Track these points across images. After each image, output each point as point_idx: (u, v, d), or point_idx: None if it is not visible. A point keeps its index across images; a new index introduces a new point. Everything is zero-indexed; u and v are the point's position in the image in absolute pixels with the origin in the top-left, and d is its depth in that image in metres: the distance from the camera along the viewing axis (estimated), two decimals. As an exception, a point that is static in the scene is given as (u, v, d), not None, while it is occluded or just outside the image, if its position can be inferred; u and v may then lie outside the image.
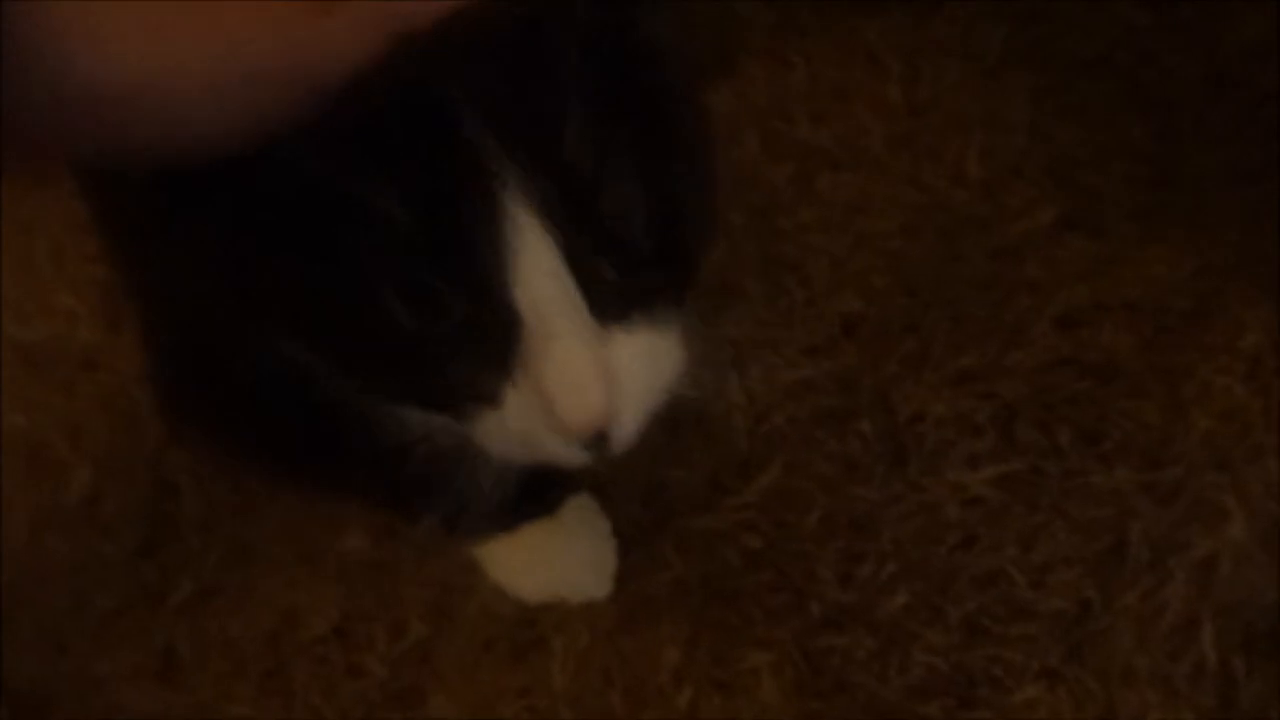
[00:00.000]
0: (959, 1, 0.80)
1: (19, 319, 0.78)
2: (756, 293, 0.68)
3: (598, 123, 0.30)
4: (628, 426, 0.33)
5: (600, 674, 0.58)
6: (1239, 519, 0.56)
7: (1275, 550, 0.55)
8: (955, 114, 0.75)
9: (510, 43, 0.31)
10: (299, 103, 0.30)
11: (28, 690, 0.62)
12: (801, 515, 0.60)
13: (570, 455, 0.33)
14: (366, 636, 0.61)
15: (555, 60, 0.30)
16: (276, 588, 0.63)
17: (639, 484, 0.62)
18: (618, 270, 0.31)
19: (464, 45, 0.30)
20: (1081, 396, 0.61)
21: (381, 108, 0.30)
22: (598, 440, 0.33)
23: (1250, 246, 0.66)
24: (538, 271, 0.30)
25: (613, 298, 0.32)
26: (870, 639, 0.56)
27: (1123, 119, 0.73)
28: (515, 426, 0.32)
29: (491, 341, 0.31)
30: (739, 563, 0.59)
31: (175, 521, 0.67)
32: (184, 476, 0.68)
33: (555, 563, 0.61)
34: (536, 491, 0.41)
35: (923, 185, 0.72)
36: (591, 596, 0.60)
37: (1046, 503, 0.58)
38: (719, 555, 0.60)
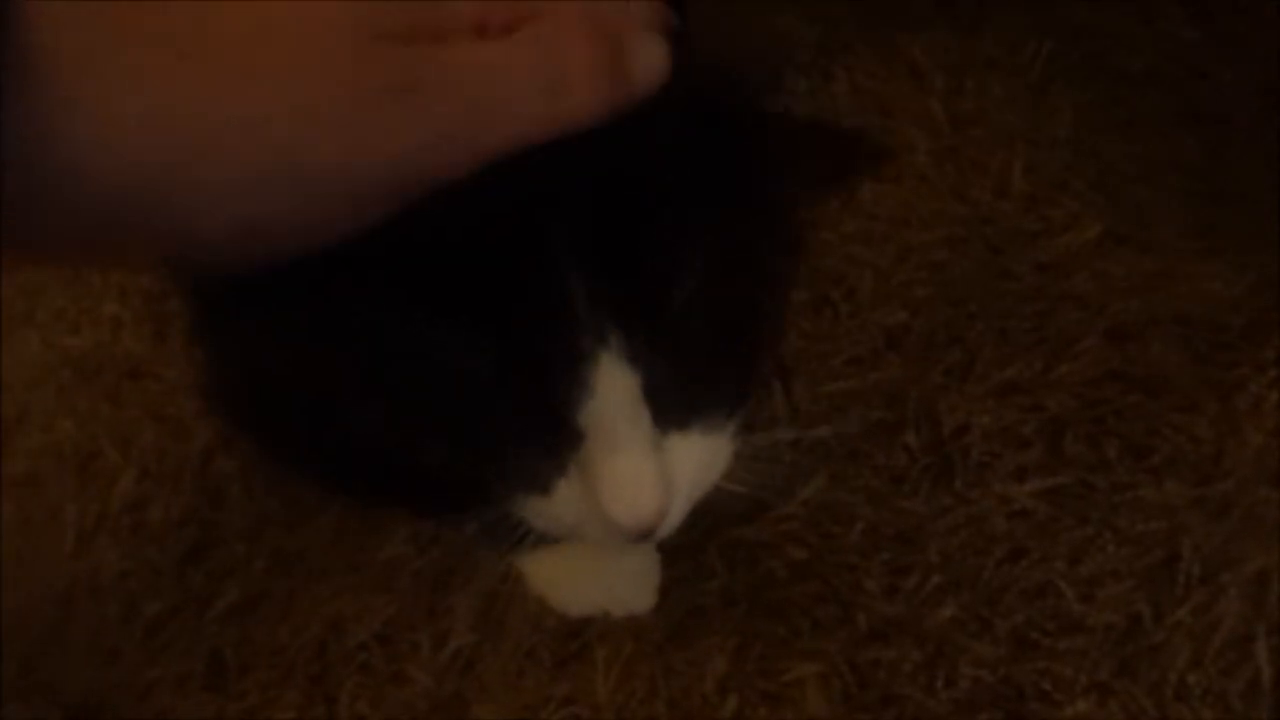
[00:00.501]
0: (1004, 16, 0.80)
1: (67, 327, 0.79)
2: (801, 304, 0.68)
3: (694, 265, 0.31)
4: (674, 521, 0.34)
5: (645, 684, 0.58)
6: (1292, 534, 0.55)
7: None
8: (1000, 128, 0.75)
9: (617, 180, 0.30)
10: (358, 207, 0.29)
11: (81, 696, 0.62)
12: (847, 527, 0.60)
13: (614, 543, 0.34)
14: (411, 644, 0.61)
15: (663, 203, 0.30)
16: (322, 595, 0.64)
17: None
18: (684, 386, 0.32)
19: (563, 172, 0.30)
20: (1130, 410, 0.61)
21: (471, 221, 0.29)
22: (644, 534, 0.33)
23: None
24: (610, 397, 0.31)
25: (675, 408, 0.32)
26: (917, 651, 0.56)
27: (1172, 133, 0.72)
28: (563, 514, 0.33)
29: (552, 445, 0.32)
30: (785, 574, 0.59)
31: (222, 528, 0.67)
32: (231, 484, 0.69)
33: (598, 576, 0.61)
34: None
35: (967, 198, 0.72)
36: (634, 610, 0.60)
37: (1096, 516, 0.58)
38: (764, 566, 0.60)
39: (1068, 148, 0.74)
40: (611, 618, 0.60)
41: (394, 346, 0.31)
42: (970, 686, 0.55)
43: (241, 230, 0.28)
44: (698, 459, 0.34)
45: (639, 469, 0.32)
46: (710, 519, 0.62)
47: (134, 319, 0.78)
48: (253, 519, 0.67)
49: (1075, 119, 0.75)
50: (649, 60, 0.31)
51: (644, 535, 0.33)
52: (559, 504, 0.33)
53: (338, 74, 0.27)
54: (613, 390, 0.31)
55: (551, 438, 0.32)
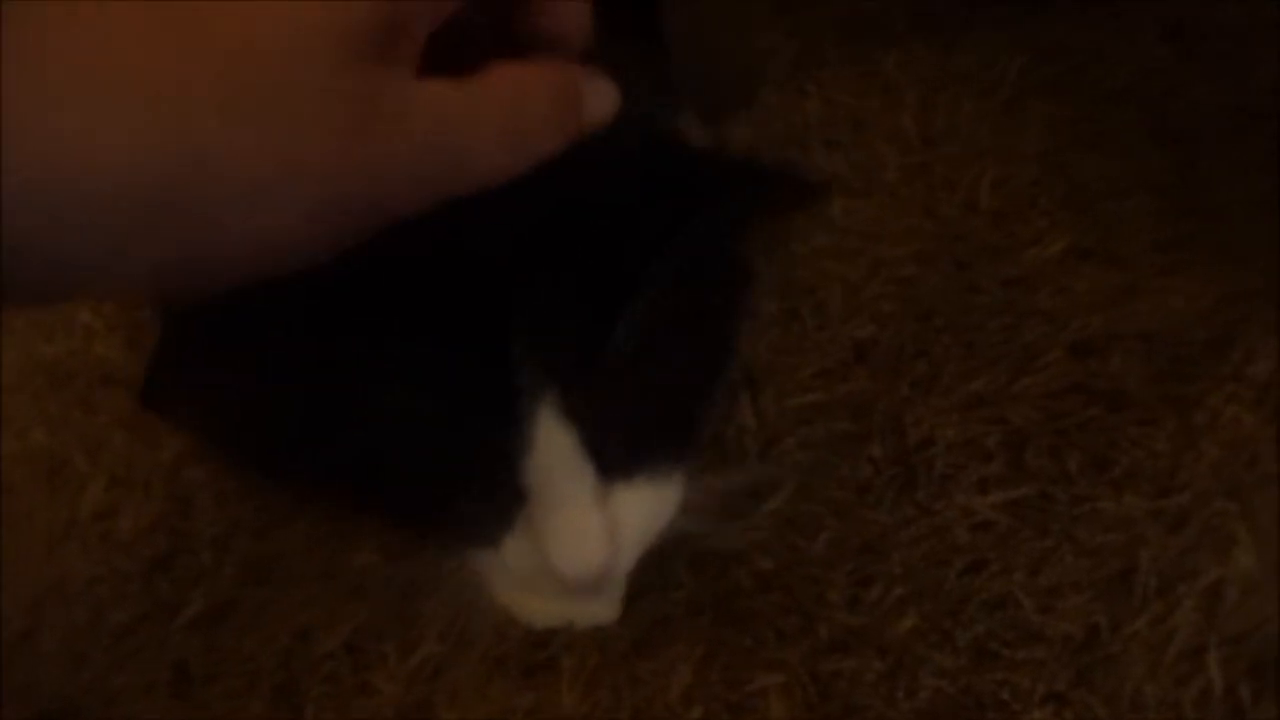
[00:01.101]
0: (978, 33, 0.81)
1: (40, 334, 0.80)
2: (769, 317, 0.68)
3: (642, 331, 0.32)
4: (624, 569, 0.34)
5: (610, 694, 0.58)
6: (1247, 547, 0.56)
7: (1284, 578, 0.55)
8: (970, 144, 0.76)
9: (571, 243, 0.31)
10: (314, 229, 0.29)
11: (48, 702, 0.62)
12: (812, 538, 0.61)
13: (562, 593, 0.34)
14: (378, 654, 0.62)
15: (616, 269, 0.31)
16: (290, 604, 0.64)
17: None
18: (627, 438, 0.33)
19: (505, 230, 0.30)
20: (1092, 424, 0.62)
21: (424, 264, 0.30)
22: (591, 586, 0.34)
23: (1270, 279, 0.66)
24: (551, 453, 0.32)
25: (620, 461, 0.33)
26: (879, 662, 0.56)
27: (1143, 151, 0.73)
28: (513, 568, 0.34)
29: (496, 500, 0.33)
30: (751, 584, 0.60)
31: (191, 537, 0.68)
32: (201, 492, 0.69)
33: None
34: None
35: (936, 214, 0.73)
36: (599, 622, 0.60)
37: (1056, 528, 0.58)
38: (731, 576, 0.60)
39: (1037, 164, 0.74)
40: (577, 629, 0.60)
41: (352, 392, 0.32)
42: (931, 696, 0.55)
43: (235, 252, 0.28)
44: (644, 508, 0.35)
45: (582, 523, 0.33)
46: (677, 528, 0.62)
47: (106, 327, 0.78)
48: (222, 527, 0.67)
49: (1046, 135, 0.76)
50: (602, 107, 0.32)
51: (592, 587, 0.33)
52: (508, 558, 0.34)
53: (323, 105, 0.28)
54: (552, 446, 0.32)
55: (497, 494, 0.33)
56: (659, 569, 0.61)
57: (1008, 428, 0.62)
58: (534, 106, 0.31)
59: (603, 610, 0.60)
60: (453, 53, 0.30)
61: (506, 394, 0.31)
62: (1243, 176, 0.72)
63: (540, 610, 0.60)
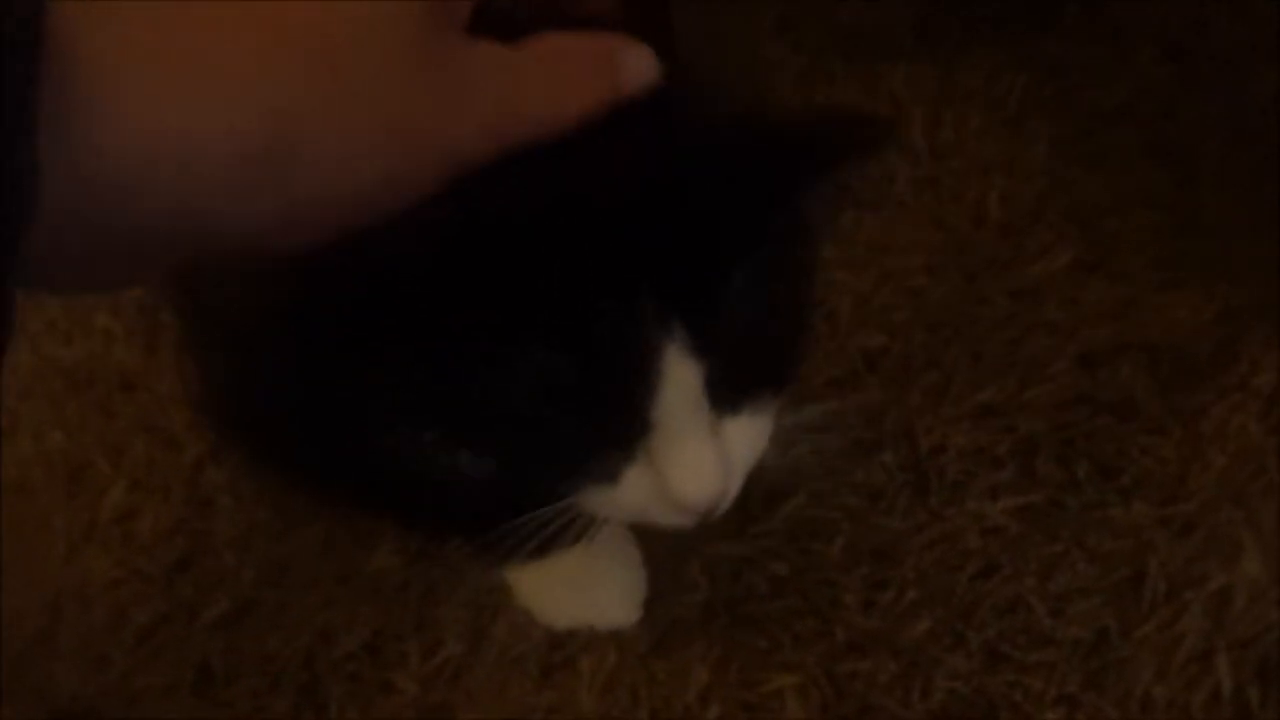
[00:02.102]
0: (983, 51, 0.82)
1: (59, 339, 0.80)
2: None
3: (742, 261, 0.33)
4: (732, 496, 0.36)
5: (628, 694, 0.59)
6: (1253, 553, 0.57)
7: (1289, 584, 0.57)
8: (977, 159, 0.77)
9: (674, 189, 0.33)
10: (397, 190, 0.31)
11: (69, 701, 0.63)
12: (826, 543, 0.62)
13: (676, 522, 0.36)
14: (399, 654, 0.63)
15: (713, 207, 0.32)
16: (311, 605, 0.65)
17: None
18: (737, 373, 0.34)
19: (626, 187, 0.32)
20: (1099, 432, 0.63)
21: (544, 237, 0.31)
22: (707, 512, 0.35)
23: (1269, 294, 0.68)
24: (677, 389, 0.33)
25: (729, 393, 0.35)
26: (893, 664, 0.57)
27: (1144, 167, 0.75)
28: (630, 500, 0.35)
29: (624, 437, 0.34)
30: (765, 588, 0.61)
31: (211, 539, 0.68)
32: (221, 494, 0.70)
33: (585, 591, 0.62)
34: (573, 520, 0.43)
35: (945, 226, 0.74)
36: (619, 624, 0.61)
37: (1065, 534, 0.60)
38: (746, 581, 0.61)
39: (1042, 179, 0.76)
40: (596, 630, 0.61)
41: (463, 362, 0.32)
42: (944, 698, 0.56)
43: (283, 218, 0.29)
44: (748, 438, 0.37)
45: (703, 454, 0.34)
46: (692, 534, 0.63)
47: (125, 332, 0.79)
48: (242, 530, 0.68)
49: (1050, 151, 0.77)
50: (638, 68, 0.34)
51: (707, 513, 0.35)
52: (626, 491, 0.35)
53: (394, 65, 0.30)
54: (680, 382, 0.33)
55: (623, 430, 0.34)
56: (675, 573, 0.63)
57: (1017, 436, 0.64)
58: (573, 66, 0.33)
59: (623, 613, 0.61)
60: (498, 28, 0.32)
61: (639, 339, 0.32)
62: (1242, 192, 0.73)
63: (561, 612, 0.61)
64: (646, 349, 0.33)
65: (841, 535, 0.62)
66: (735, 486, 0.37)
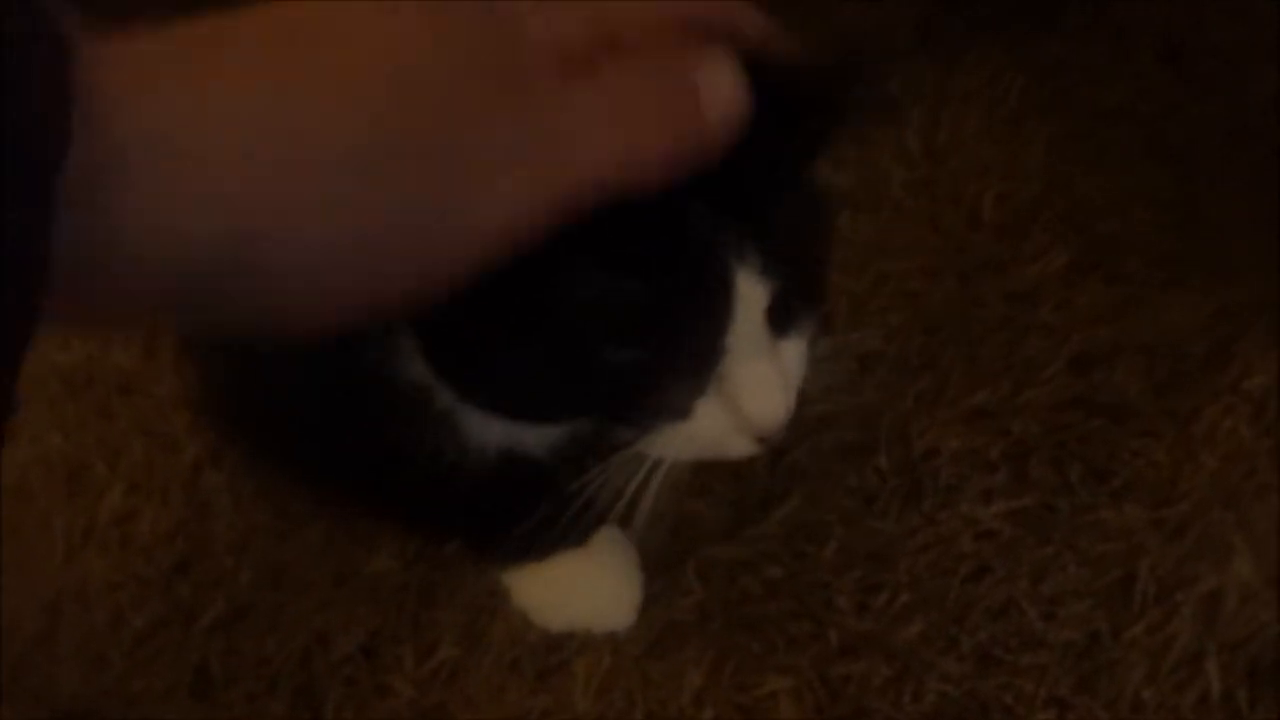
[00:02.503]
0: (980, 51, 0.82)
1: (57, 342, 0.80)
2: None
3: (790, 210, 0.36)
4: (789, 419, 0.37)
5: (624, 696, 0.59)
6: (1244, 555, 0.58)
7: (1279, 586, 0.57)
8: (973, 160, 0.77)
9: (739, 154, 0.33)
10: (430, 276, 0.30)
11: (68, 703, 0.64)
12: (820, 546, 0.62)
13: (745, 449, 0.38)
14: (395, 656, 0.63)
15: (759, 151, 0.33)
16: (308, 608, 0.65)
17: (666, 515, 0.64)
18: (787, 303, 0.36)
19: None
20: (1093, 435, 0.63)
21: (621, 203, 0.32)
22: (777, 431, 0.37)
23: (1267, 293, 0.68)
24: (748, 314, 0.35)
25: (782, 319, 0.36)
26: (886, 667, 0.58)
27: (1142, 168, 0.75)
28: (702, 433, 0.36)
29: (699, 367, 0.35)
30: (760, 591, 0.61)
31: (210, 541, 0.69)
32: (219, 497, 0.70)
33: (582, 594, 0.62)
34: (571, 523, 0.44)
35: (941, 228, 0.74)
36: (615, 628, 0.62)
37: (1057, 537, 0.60)
38: (740, 584, 0.62)
39: (1039, 180, 0.76)
40: (592, 633, 0.62)
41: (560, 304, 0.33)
42: (936, 700, 0.57)
43: (313, 304, 0.29)
44: (796, 360, 0.38)
45: (771, 374, 0.36)
46: (688, 538, 0.64)
47: (124, 336, 0.79)
48: (240, 532, 0.69)
49: (1047, 152, 0.78)
50: (722, 98, 0.32)
51: (775, 433, 0.37)
52: (699, 423, 0.36)
53: (416, 155, 0.28)
54: (751, 305, 0.35)
55: (702, 359, 0.35)
56: (670, 576, 0.63)
57: (1011, 439, 0.64)
58: (647, 104, 0.31)
59: (619, 616, 0.61)
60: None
61: (716, 268, 0.34)
62: (1239, 193, 0.74)
63: (558, 615, 0.62)
64: (725, 274, 0.34)
65: (835, 539, 0.62)
66: (792, 406, 0.38)
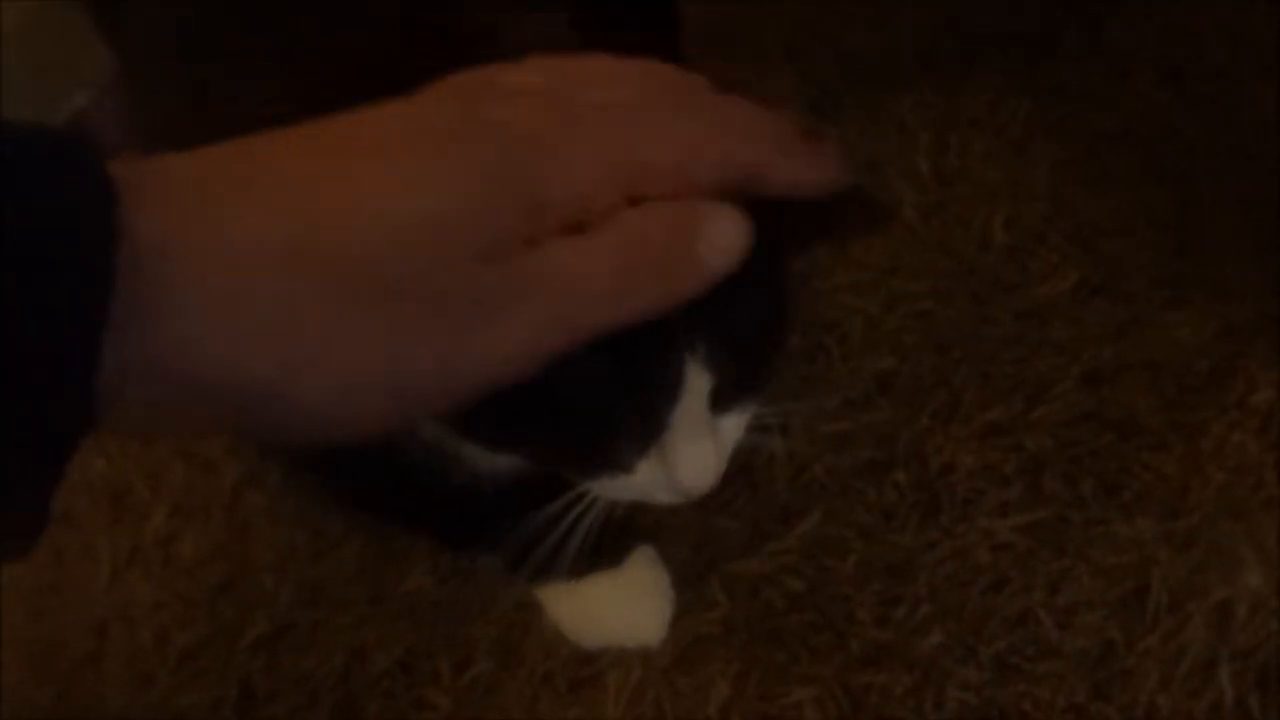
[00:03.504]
0: (986, 77, 0.85)
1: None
2: (796, 351, 0.72)
3: (750, 307, 0.39)
4: (717, 482, 0.42)
5: (653, 708, 0.62)
6: (1254, 566, 0.60)
7: (1288, 595, 0.59)
8: (982, 183, 0.79)
9: None
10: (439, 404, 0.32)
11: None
12: (841, 560, 0.64)
13: (671, 502, 0.43)
14: (431, 671, 0.65)
15: (741, 272, 0.35)
16: (346, 625, 0.68)
17: (690, 531, 0.66)
18: (733, 387, 0.41)
19: None
20: (1104, 450, 0.65)
21: None
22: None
23: (1269, 311, 0.70)
24: (693, 402, 0.39)
25: (726, 400, 0.41)
26: (907, 676, 0.60)
27: (1145, 190, 0.77)
28: (637, 486, 0.42)
29: (644, 435, 0.40)
30: (782, 604, 0.63)
31: (250, 561, 0.71)
32: (258, 518, 0.73)
33: (615, 612, 0.65)
34: (608, 543, 0.49)
35: (952, 250, 0.76)
36: (646, 643, 0.64)
37: (1071, 549, 0.62)
38: (764, 597, 0.64)
39: (1046, 202, 0.78)
40: (623, 647, 0.64)
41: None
42: (957, 709, 0.59)
43: (329, 425, 0.31)
44: (733, 433, 0.43)
45: (706, 451, 0.41)
46: (712, 553, 0.66)
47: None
48: (280, 552, 0.71)
49: (1053, 175, 0.79)
50: (723, 249, 0.33)
51: (700, 496, 0.42)
52: (637, 478, 0.41)
53: (433, 296, 0.30)
54: (695, 390, 0.39)
55: (647, 430, 0.40)
56: (696, 591, 0.65)
57: (1024, 454, 0.66)
58: (647, 252, 0.32)
59: (650, 632, 0.63)
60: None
61: (668, 354, 0.38)
62: (1240, 213, 0.75)
63: (591, 631, 0.64)
64: (678, 364, 0.38)
65: (855, 553, 0.64)
66: (722, 472, 0.43)
